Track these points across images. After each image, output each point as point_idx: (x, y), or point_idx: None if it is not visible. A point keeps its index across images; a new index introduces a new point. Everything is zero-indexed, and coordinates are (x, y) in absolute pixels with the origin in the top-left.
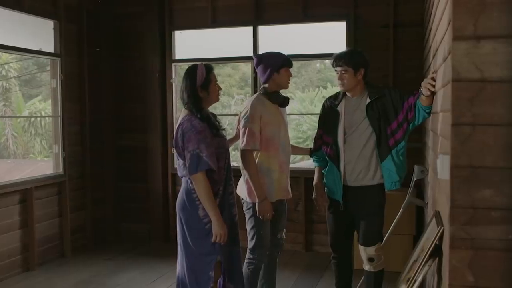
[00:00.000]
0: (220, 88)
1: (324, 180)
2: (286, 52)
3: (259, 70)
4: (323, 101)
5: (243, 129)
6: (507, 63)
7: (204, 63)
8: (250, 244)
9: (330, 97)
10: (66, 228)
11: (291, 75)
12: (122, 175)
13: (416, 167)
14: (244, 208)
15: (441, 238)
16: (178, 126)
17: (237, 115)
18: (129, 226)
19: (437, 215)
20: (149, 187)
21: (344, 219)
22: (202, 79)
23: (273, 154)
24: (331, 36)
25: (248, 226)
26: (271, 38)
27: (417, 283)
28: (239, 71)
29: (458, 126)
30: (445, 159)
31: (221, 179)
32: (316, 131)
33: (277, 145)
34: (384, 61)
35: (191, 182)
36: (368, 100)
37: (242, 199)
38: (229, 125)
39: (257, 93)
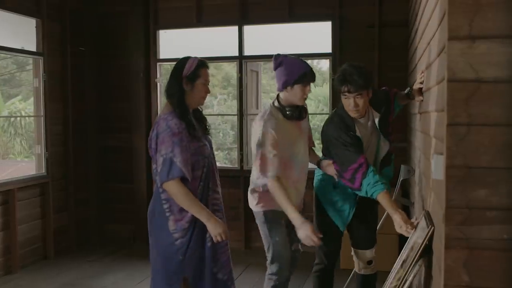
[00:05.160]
0: (208, 91)
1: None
2: (272, 52)
3: (276, 73)
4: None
5: (260, 156)
6: (502, 63)
7: (199, 58)
8: (268, 257)
9: (340, 128)
10: (49, 229)
11: (307, 91)
12: (106, 176)
13: (402, 166)
14: (256, 220)
15: (431, 238)
16: (154, 124)
17: (220, 115)
18: (113, 227)
19: (427, 214)
20: (134, 188)
21: (341, 236)
22: (189, 70)
23: (288, 174)
24: (316, 36)
25: (263, 237)
26: (257, 38)
27: (407, 283)
28: (222, 71)
29: (454, 126)
30: (439, 159)
31: (195, 190)
32: None
33: (292, 164)
34: (370, 61)
35: (162, 192)
36: (377, 120)
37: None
38: (211, 125)
39: (271, 104)
